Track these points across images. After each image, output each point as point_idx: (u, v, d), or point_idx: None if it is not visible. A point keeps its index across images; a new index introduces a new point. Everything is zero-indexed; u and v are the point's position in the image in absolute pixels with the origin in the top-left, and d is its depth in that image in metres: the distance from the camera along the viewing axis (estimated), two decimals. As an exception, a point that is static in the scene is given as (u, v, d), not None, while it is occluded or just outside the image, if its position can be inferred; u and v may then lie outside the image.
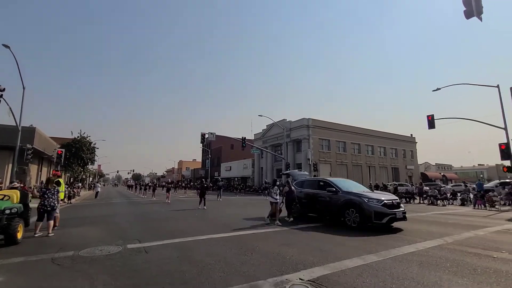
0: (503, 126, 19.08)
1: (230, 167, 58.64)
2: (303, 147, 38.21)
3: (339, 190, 9.44)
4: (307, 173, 13.98)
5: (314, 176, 31.08)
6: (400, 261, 5.03)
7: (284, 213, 10.75)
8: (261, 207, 16.53)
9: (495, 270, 4.52)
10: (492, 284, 3.93)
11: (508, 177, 26.35)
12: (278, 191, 10.06)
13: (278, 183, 10.66)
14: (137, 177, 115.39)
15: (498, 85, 19.52)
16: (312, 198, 10.41)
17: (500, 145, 18.69)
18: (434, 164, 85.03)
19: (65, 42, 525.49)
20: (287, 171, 15.24)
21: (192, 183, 53.67)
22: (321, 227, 8.86)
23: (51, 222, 7.91)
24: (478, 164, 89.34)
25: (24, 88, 17.68)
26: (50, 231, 7.78)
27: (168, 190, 21.69)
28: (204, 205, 15.20)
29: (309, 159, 35.81)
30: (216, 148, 65.74)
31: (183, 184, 41.12)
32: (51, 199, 7.81)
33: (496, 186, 22.05)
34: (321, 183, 10.45)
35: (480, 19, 8.28)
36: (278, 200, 9.90)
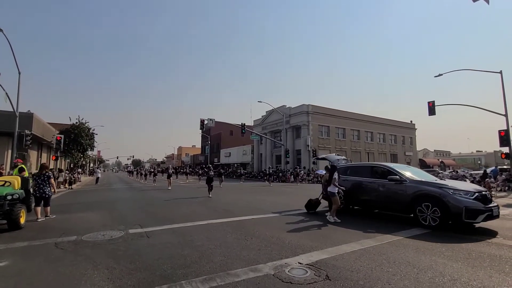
0: (504, 113, 19.03)
1: (230, 153, 58.81)
2: (303, 133, 38.18)
3: (405, 178, 7.49)
4: (344, 157, 11.92)
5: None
6: (396, 246, 5.14)
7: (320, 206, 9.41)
8: (261, 193, 16.75)
9: (489, 255, 4.61)
10: (486, 268, 4.02)
11: (506, 163, 26.51)
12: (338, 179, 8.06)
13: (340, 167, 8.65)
14: (137, 163, 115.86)
15: (501, 71, 19.31)
16: (361, 187, 8.61)
17: (499, 131, 18.73)
18: (433, 150, 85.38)
19: (62, 31, 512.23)
20: (324, 155, 12.59)
21: (193, 169, 53.96)
22: (320, 214, 8.96)
23: (48, 209, 8.28)
24: (477, 151, 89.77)
25: (19, 73, 17.36)
26: (49, 214, 8.24)
27: (169, 176, 21.82)
28: (211, 190, 15.04)
29: (308, 146, 35.88)
30: (215, 134, 65.65)
31: (184, 171, 41.30)
32: (42, 186, 8.07)
33: (494, 172, 22.24)
34: (376, 170, 8.62)
35: (487, 1, 8.04)
36: (340, 190, 8.13)
